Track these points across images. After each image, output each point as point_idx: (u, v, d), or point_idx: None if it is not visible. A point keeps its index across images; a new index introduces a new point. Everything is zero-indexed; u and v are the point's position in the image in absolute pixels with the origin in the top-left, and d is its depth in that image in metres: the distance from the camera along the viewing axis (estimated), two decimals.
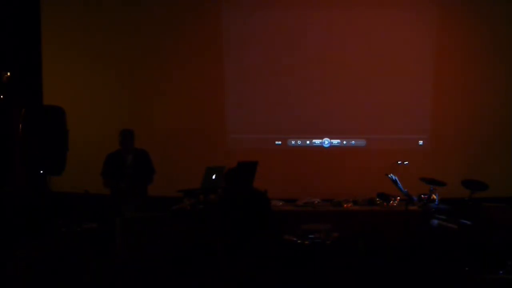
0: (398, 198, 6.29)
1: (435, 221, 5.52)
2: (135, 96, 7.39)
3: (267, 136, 7.29)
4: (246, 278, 4.62)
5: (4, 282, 4.76)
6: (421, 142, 7.20)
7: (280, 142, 7.32)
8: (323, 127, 7.26)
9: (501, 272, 4.99)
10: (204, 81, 7.33)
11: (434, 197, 5.73)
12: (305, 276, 5.17)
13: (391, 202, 6.36)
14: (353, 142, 7.26)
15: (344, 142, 7.26)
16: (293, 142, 7.31)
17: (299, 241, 5.41)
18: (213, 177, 5.88)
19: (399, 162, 6.08)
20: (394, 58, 7.15)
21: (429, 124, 7.17)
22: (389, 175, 5.76)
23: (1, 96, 6.97)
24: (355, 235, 5.84)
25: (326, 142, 7.27)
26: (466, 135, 7.15)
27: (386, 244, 5.77)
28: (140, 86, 7.39)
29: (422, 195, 5.83)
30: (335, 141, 7.26)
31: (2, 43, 7.14)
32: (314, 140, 7.29)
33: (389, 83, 7.14)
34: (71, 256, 5.15)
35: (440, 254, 5.43)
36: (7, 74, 6.85)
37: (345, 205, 6.42)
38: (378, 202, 6.45)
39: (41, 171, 5.46)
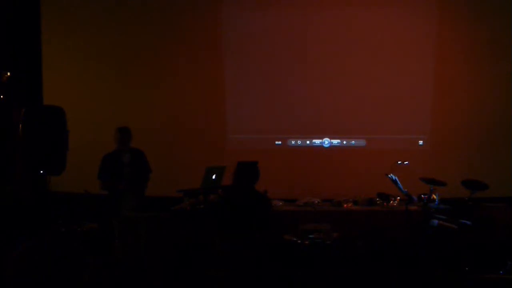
0: (398, 198, 6.29)
1: (435, 221, 5.52)
2: (135, 96, 7.39)
3: (267, 136, 7.29)
4: (246, 278, 4.62)
5: (3, 282, 4.76)
6: (421, 142, 7.20)
7: (280, 142, 7.32)
8: (323, 127, 7.26)
9: (501, 272, 5.00)
10: (204, 81, 7.34)
11: (434, 197, 5.73)
12: (305, 276, 5.17)
13: (391, 202, 6.36)
14: (353, 142, 7.26)
15: (344, 142, 7.26)
16: (293, 142, 7.31)
17: (299, 241, 5.41)
18: (213, 177, 5.88)
19: (399, 162, 6.07)
20: (394, 58, 7.14)
21: (429, 124, 7.17)
22: (389, 175, 5.76)
23: (1, 96, 6.97)
24: (355, 235, 5.84)
25: (326, 142, 7.27)
26: (466, 135, 7.15)
27: (386, 244, 5.77)
28: (140, 86, 7.39)
29: (422, 195, 5.82)
30: (335, 141, 7.27)
31: (2, 43, 7.14)
32: (314, 140, 7.29)
33: (389, 83, 7.14)
34: (71, 256, 5.15)
35: (440, 254, 5.43)
36: (7, 74, 6.85)
37: (345, 205, 6.42)
38: (378, 202, 6.45)
39: (41, 171, 5.45)
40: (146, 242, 5.32)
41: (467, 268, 5.14)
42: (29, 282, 4.70)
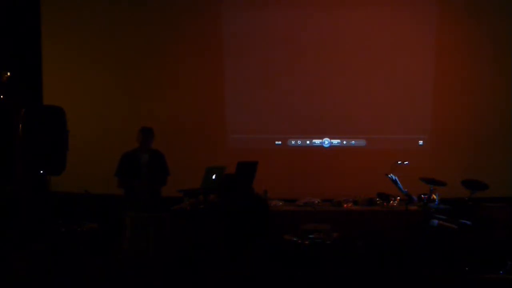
0: (398, 198, 6.29)
1: (435, 221, 5.53)
2: (135, 96, 7.39)
3: (267, 136, 7.29)
4: (246, 278, 4.62)
5: (4, 282, 4.76)
6: (421, 142, 7.19)
7: (280, 142, 7.32)
8: (323, 127, 7.26)
9: (501, 272, 4.99)
10: (204, 81, 7.33)
11: (434, 197, 5.73)
12: (305, 276, 5.17)
13: (391, 202, 6.36)
14: (353, 142, 7.25)
15: (344, 142, 7.26)
16: (293, 142, 7.31)
17: (299, 241, 5.41)
18: (213, 177, 5.88)
19: (399, 162, 6.07)
20: (394, 58, 7.14)
21: (429, 124, 7.17)
22: (389, 175, 5.76)
23: (1, 96, 6.97)
24: (355, 235, 5.84)
25: (326, 142, 7.27)
26: (466, 135, 7.14)
27: (386, 244, 5.77)
28: (140, 86, 7.39)
29: (422, 195, 5.83)
30: (335, 141, 7.26)
31: (2, 43, 7.14)
32: (314, 140, 7.29)
33: (389, 83, 7.14)
34: (71, 256, 5.15)
35: (440, 254, 5.43)
36: (7, 74, 6.85)
37: (345, 205, 6.41)
38: (378, 202, 6.45)
39: (41, 171, 5.45)
40: (146, 242, 5.32)
41: (467, 268, 5.14)
42: (30, 282, 4.71)
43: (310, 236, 5.40)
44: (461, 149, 7.12)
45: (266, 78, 7.26)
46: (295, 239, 5.45)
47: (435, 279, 5.06)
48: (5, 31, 7.20)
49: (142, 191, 5.73)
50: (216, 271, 4.80)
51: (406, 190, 5.76)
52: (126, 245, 5.38)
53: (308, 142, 7.30)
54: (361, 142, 7.24)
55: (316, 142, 7.28)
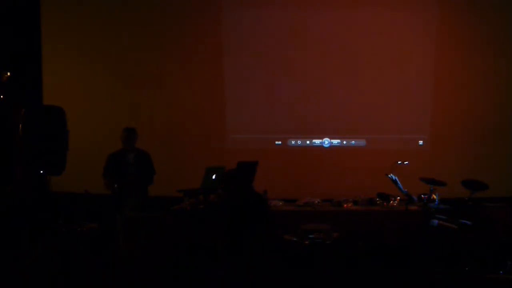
0: (398, 198, 6.28)
1: (435, 221, 5.52)
2: (135, 96, 7.40)
3: (267, 136, 7.29)
4: (246, 278, 4.62)
5: (4, 282, 4.76)
6: (421, 142, 7.20)
7: (280, 142, 7.32)
8: (323, 127, 7.26)
9: (501, 272, 4.99)
10: (204, 81, 7.34)
11: (434, 197, 5.73)
12: (305, 276, 5.17)
13: (391, 202, 6.35)
14: (353, 142, 7.26)
15: (344, 142, 7.26)
16: (293, 142, 7.31)
17: (299, 241, 5.41)
18: (213, 177, 5.89)
19: (399, 162, 6.07)
20: (394, 58, 7.15)
21: (429, 124, 7.17)
22: (389, 175, 5.76)
23: (1, 96, 6.98)
24: (355, 235, 5.84)
25: (326, 142, 7.27)
26: (466, 135, 7.15)
27: (386, 244, 5.77)
28: (140, 86, 7.40)
29: (422, 195, 5.82)
30: (335, 141, 7.27)
31: (2, 43, 7.14)
32: (314, 140, 7.29)
33: (389, 83, 7.15)
34: (71, 256, 5.15)
35: (440, 254, 5.43)
36: (7, 74, 6.86)
37: (345, 205, 6.41)
38: (378, 202, 6.44)
39: (41, 171, 5.45)
40: (146, 242, 5.32)
41: (467, 268, 5.14)
42: (30, 282, 4.71)
43: (310, 236, 5.40)
44: (461, 149, 7.13)
45: (266, 78, 7.27)
46: (295, 239, 5.44)
47: (435, 279, 5.06)
48: (5, 31, 7.20)
49: (129, 190, 5.76)
50: (216, 271, 4.80)
51: (406, 190, 5.76)
52: (124, 245, 5.39)
53: (308, 142, 7.30)
54: (361, 142, 7.24)
55: (316, 142, 7.28)
